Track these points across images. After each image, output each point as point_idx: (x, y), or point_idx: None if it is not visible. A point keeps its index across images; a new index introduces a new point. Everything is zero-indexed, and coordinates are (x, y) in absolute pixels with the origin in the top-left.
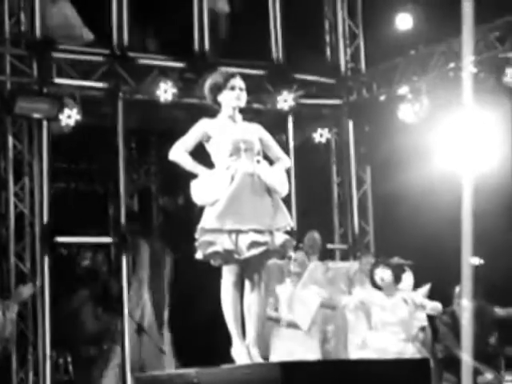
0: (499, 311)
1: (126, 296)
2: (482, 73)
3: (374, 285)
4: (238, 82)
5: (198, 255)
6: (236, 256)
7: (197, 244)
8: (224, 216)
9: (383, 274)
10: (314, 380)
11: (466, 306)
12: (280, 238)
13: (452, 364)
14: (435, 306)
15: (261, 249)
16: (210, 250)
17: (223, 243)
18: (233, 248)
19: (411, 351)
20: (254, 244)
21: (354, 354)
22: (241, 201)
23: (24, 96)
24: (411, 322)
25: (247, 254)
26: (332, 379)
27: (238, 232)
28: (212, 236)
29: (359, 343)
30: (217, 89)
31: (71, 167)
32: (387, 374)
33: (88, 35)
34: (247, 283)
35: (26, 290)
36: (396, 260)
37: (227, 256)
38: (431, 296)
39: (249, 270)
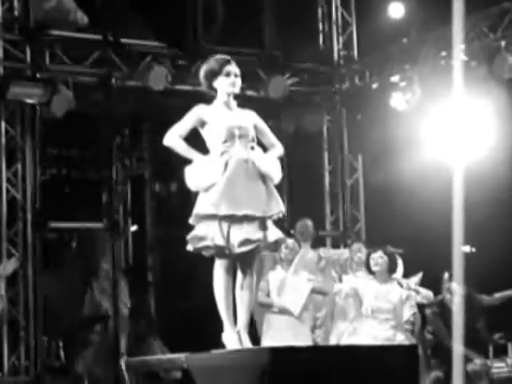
0: (487, 298)
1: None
2: (473, 61)
3: (369, 269)
4: (234, 68)
5: (189, 247)
6: (227, 252)
7: (188, 238)
8: (219, 202)
9: (379, 259)
10: (303, 365)
11: (456, 290)
12: (273, 236)
13: (440, 352)
14: (427, 294)
15: (252, 246)
16: (201, 244)
17: (214, 239)
18: (224, 244)
19: (400, 338)
20: (246, 241)
21: (344, 340)
22: (235, 187)
23: (17, 81)
24: (401, 309)
25: (238, 250)
26: (321, 365)
27: (231, 222)
28: (204, 228)
29: (349, 330)
30: (212, 75)
31: (63, 153)
32: (376, 360)
33: (83, 19)
34: (239, 270)
35: (11, 264)
36: (387, 248)
37: (218, 250)
38: (422, 285)
39: (241, 259)
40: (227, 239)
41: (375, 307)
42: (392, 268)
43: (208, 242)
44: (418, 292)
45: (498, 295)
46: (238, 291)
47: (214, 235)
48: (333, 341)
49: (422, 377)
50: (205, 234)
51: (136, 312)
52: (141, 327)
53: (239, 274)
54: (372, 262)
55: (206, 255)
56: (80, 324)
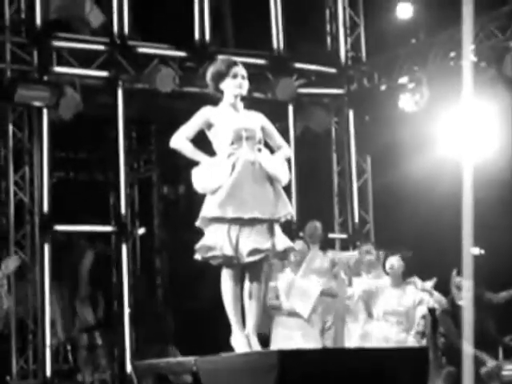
0: (495, 297)
1: (126, 283)
2: (482, 62)
3: (385, 270)
4: (241, 69)
5: (197, 257)
6: (235, 261)
7: (196, 247)
8: (226, 204)
9: (396, 263)
10: (312, 368)
11: (464, 285)
12: (282, 245)
13: (452, 354)
14: (440, 299)
15: (261, 256)
16: (210, 254)
17: (223, 248)
18: (233, 254)
19: (412, 342)
20: (254, 251)
21: (356, 343)
22: (242, 189)
23: (24, 84)
24: (414, 313)
25: (247, 259)
26: (330, 367)
27: (240, 228)
28: (212, 237)
29: (361, 332)
30: (219, 76)
31: (70, 156)
32: (385, 363)
33: (98, 18)
34: (247, 279)
35: (13, 263)
36: (405, 253)
37: (227, 260)
38: (434, 289)
39: (249, 268)
40: (236, 249)
41: (388, 310)
42: (407, 273)
43: (216, 252)
44: (431, 294)
45: (503, 293)
46: (246, 300)
47: (223, 245)
48: (343, 343)
49: (433, 380)
50: (213, 243)
51: (145, 314)
52: (150, 330)
53: (247, 283)
54: (388, 265)
55: (214, 264)
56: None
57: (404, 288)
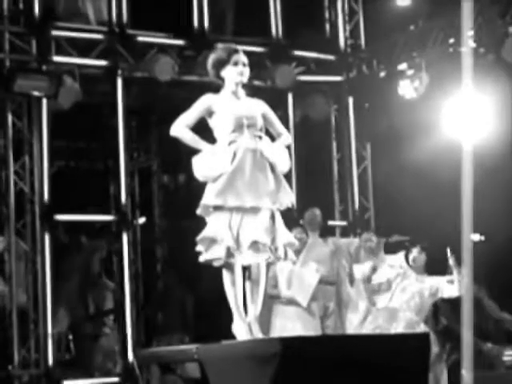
0: (496, 312)
1: (127, 272)
2: (481, 48)
3: (407, 262)
4: (242, 57)
5: (201, 259)
6: (236, 255)
7: (197, 239)
8: (226, 193)
9: (418, 256)
10: (313, 355)
11: (464, 273)
12: (281, 242)
13: (456, 342)
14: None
15: (261, 255)
16: (211, 254)
17: (224, 240)
18: (234, 245)
19: (421, 327)
20: (254, 244)
21: (365, 327)
22: (243, 177)
23: (23, 74)
24: (428, 301)
25: (246, 257)
26: (332, 354)
27: (242, 218)
28: (213, 229)
29: (370, 317)
30: (220, 64)
31: (70, 145)
32: (386, 349)
33: (101, 14)
34: (249, 271)
35: None
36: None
37: (228, 255)
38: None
39: (250, 269)
40: (236, 239)
41: (402, 288)
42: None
43: (219, 249)
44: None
45: (507, 317)
46: (249, 295)
47: (224, 236)
48: (343, 330)
49: (435, 366)
50: (214, 234)
51: (154, 304)
52: (158, 319)
53: (248, 280)
54: (411, 258)
55: (216, 265)
56: (87, 317)
57: (424, 277)
